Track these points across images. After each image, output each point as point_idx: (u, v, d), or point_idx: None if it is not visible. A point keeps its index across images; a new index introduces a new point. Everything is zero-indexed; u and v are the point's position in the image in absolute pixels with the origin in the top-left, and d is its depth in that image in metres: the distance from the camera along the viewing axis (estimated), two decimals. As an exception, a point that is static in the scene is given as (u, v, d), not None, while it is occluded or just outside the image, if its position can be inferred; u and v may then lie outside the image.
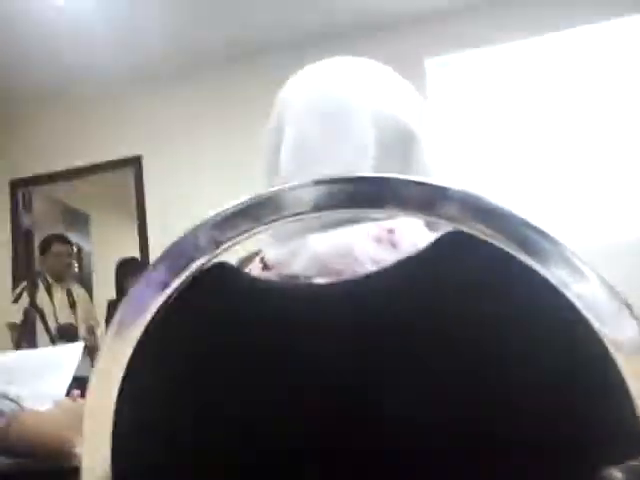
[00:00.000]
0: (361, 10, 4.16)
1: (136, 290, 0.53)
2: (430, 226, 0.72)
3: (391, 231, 0.68)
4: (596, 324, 0.46)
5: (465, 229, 0.49)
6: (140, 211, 4.76)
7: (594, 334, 0.46)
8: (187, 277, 0.51)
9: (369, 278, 0.52)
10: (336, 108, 0.74)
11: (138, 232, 4.74)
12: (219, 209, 0.52)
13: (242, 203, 0.51)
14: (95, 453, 0.53)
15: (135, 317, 0.53)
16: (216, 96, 4.58)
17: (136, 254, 4.68)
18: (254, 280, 0.53)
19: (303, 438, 0.50)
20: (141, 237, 4.73)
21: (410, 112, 0.76)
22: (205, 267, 0.52)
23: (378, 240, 0.67)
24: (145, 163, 4.75)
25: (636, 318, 0.46)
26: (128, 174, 4.81)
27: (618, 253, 3.43)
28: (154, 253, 4.40)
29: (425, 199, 0.49)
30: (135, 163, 4.77)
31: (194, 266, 0.52)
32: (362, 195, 0.50)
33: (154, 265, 0.53)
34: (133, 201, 4.81)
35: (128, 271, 4.32)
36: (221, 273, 0.51)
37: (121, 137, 4.76)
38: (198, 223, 0.52)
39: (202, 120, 4.61)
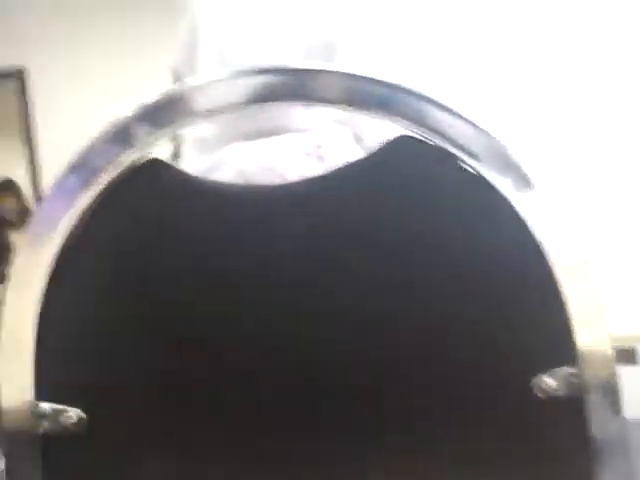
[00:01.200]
0: None
1: (47, 202, 0.48)
2: (357, 140, 0.71)
3: (319, 145, 0.65)
4: (542, 243, 0.45)
5: (409, 132, 0.46)
6: (26, 128, 4.46)
7: (540, 252, 0.45)
8: (116, 173, 0.47)
9: (317, 181, 0.49)
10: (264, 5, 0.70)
11: (29, 151, 4.46)
12: (147, 99, 0.47)
13: (173, 92, 0.47)
14: (14, 372, 0.48)
15: (53, 224, 0.47)
16: (107, 6, 4.29)
17: (22, 174, 4.42)
18: (193, 177, 0.49)
19: (249, 337, 0.48)
20: (31, 156, 4.45)
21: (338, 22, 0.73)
22: (137, 163, 0.47)
23: (305, 154, 0.65)
24: (30, 76, 4.42)
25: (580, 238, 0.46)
26: (9, 88, 4.46)
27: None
28: (48, 170, 4.21)
29: (378, 97, 0.46)
30: (18, 76, 4.43)
31: (122, 161, 0.47)
32: (309, 88, 0.47)
33: (69, 169, 0.47)
34: (16, 117, 4.49)
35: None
36: (156, 168, 0.47)
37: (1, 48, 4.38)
38: (122, 115, 0.46)
39: (91, 29, 4.31)
